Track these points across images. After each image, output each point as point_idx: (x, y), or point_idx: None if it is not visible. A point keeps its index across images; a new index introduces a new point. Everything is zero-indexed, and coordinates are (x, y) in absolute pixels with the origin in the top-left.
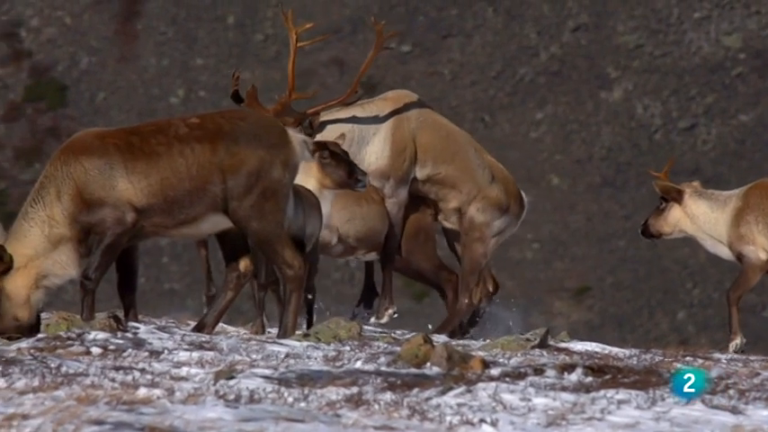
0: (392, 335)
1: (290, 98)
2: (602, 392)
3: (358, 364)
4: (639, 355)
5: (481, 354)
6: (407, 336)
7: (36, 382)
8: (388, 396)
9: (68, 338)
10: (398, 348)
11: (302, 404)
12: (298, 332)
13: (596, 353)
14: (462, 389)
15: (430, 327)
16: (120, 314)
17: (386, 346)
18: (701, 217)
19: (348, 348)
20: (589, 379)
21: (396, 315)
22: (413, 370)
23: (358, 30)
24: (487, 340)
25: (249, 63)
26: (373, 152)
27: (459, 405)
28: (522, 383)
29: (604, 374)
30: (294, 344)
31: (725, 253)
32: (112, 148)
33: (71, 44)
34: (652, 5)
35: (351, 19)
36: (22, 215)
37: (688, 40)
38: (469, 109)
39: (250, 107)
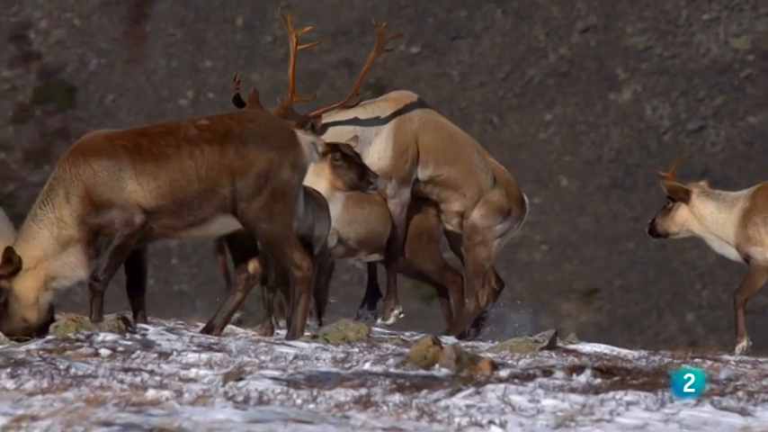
0: (401, 336)
1: (292, 101)
2: (610, 394)
3: (367, 366)
4: (648, 357)
5: (490, 355)
6: (416, 337)
7: (45, 384)
8: (397, 398)
9: (77, 340)
10: (407, 350)
11: (311, 406)
12: (306, 334)
13: (605, 354)
14: (471, 390)
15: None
16: (129, 316)
17: (395, 347)
18: (709, 217)
19: (357, 350)
20: (598, 380)
21: (402, 315)
22: (421, 371)
23: (366, 31)
24: (496, 342)
25: (258, 65)
26: (375, 152)
27: (468, 406)
28: (530, 385)
29: (613, 376)
30: (303, 345)
31: (732, 254)
32: (121, 149)
33: (80, 46)
34: (661, 7)
35: (359, 21)
36: (31, 217)
37: (697, 41)
38: (478, 110)
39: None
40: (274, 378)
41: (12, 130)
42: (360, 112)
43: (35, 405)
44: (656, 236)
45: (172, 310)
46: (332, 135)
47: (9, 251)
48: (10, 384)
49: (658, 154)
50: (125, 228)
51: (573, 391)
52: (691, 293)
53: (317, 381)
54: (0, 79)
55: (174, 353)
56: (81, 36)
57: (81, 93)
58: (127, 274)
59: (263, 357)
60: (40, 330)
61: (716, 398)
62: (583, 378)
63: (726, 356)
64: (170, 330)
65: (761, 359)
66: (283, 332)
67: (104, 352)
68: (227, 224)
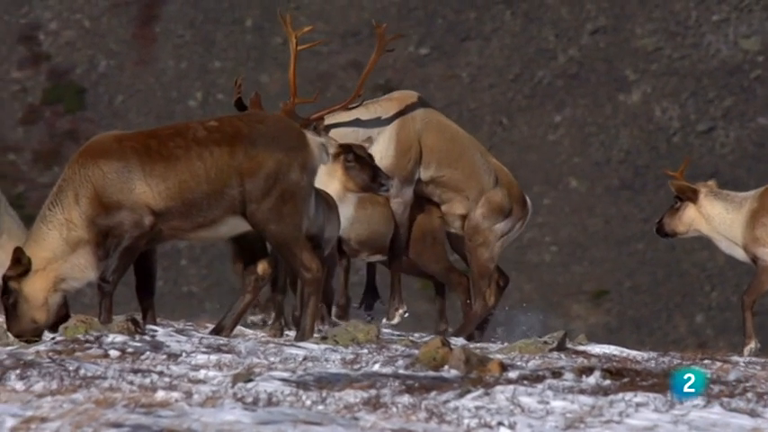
0: (410, 338)
1: (294, 103)
2: (620, 395)
3: (376, 367)
4: (657, 359)
5: (499, 357)
6: (425, 339)
7: (54, 385)
8: (406, 399)
9: (86, 341)
10: (416, 351)
11: (320, 407)
12: (315, 335)
13: (614, 356)
14: (480, 392)
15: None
16: (139, 317)
17: (404, 349)
18: (716, 218)
19: (366, 351)
20: (607, 382)
21: (407, 315)
22: (431, 373)
23: (375, 33)
24: (505, 343)
25: (267, 66)
26: (378, 152)
27: (477, 408)
28: (540, 386)
29: (622, 377)
30: (312, 347)
31: (740, 254)
32: (130, 151)
33: (89, 47)
34: (670, 8)
35: (368, 22)
36: (40, 218)
37: (706, 42)
38: (488, 112)
39: None
40: (283, 379)
41: (21, 132)
42: (362, 112)
43: (44, 406)
44: (664, 235)
45: (181, 312)
46: (335, 136)
47: (18, 252)
48: (19, 386)
49: (668, 155)
50: (134, 229)
51: (582, 392)
52: (700, 295)
53: (327, 382)
54: (9, 80)
55: (184, 354)
56: (90, 37)
57: (90, 94)
58: (136, 276)
59: (272, 359)
60: (54, 326)
61: (725, 399)
62: (592, 379)
63: (735, 358)
64: (179, 332)
65: None
66: (292, 333)
67: (114, 353)
68: (236, 225)
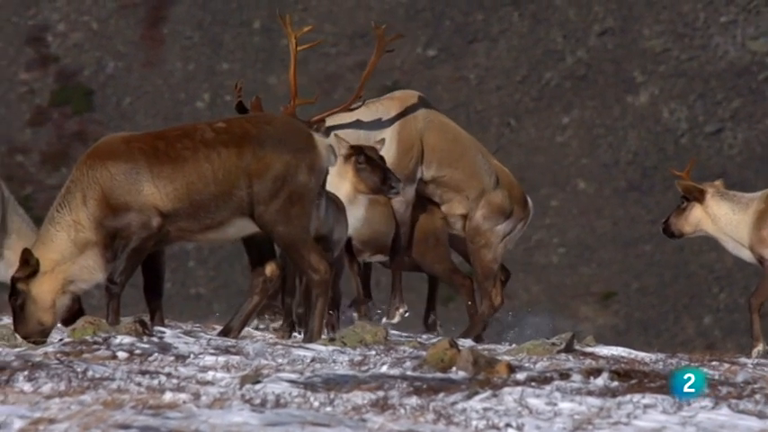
0: (418, 339)
1: (294, 105)
2: (628, 397)
3: (384, 369)
4: (665, 360)
5: (507, 358)
6: (433, 340)
7: (62, 387)
8: (414, 400)
9: (94, 343)
10: (424, 353)
11: (328, 408)
12: (323, 336)
13: (622, 357)
14: (488, 393)
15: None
16: (146, 318)
17: (411, 350)
18: (723, 218)
19: (374, 353)
20: (615, 383)
21: (407, 314)
22: (438, 374)
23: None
24: (513, 345)
25: (275, 67)
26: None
27: (485, 409)
28: (547, 388)
29: (630, 379)
30: (320, 348)
31: (747, 255)
32: (138, 152)
33: (97, 49)
34: (678, 9)
35: (377, 24)
36: (48, 220)
37: (714, 44)
38: (495, 113)
39: None
40: (291, 381)
41: (29, 133)
42: (364, 112)
43: (52, 408)
44: (671, 235)
45: (189, 313)
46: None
47: (27, 253)
48: (27, 387)
49: (676, 157)
50: (142, 230)
51: (590, 394)
52: (708, 296)
53: (334, 384)
54: (18, 82)
55: (192, 356)
56: (98, 39)
57: (98, 96)
58: (144, 277)
59: (280, 360)
60: (67, 321)
61: (733, 401)
62: (600, 381)
63: (743, 359)
64: (187, 333)
65: None
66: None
67: (122, 355)
68: (244, 227)
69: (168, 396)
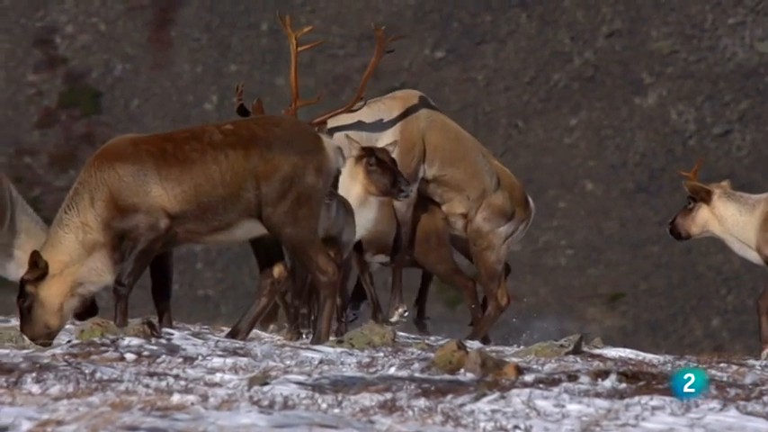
0: (426, 341)
1: (296, 107)
2: (636, 399)
3: (392, 371)
4: (673, 362)
5: (515, 360)
6: (441, 342)
7: (70, 388)
8: (422, 402)
9: (102, 344)
10: (432, 355)
11: (336, 410)
12: (331, 338)
13: (630, 359)
14: (496, 395)
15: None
16: (155, 320)
17: (419, 352)
18: (729, 219)
19: (382, 354)
20: (623, 385)
21: (407, 314)
22: (446, 376)
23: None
24: (521, 346)
25: (282, 69)
26: None
27: (493, 411)
28: (555, 390)
29: (638, 381)
30: (328, 350)
31: (753, 257)
32: (146, 154)
33: (105, 51)
34: (686, 11)
35: (384, 25)
36: (56, 222)
37: (722, 45)
38: (503, 115)
39: None
40: (299, 383)
41: (37, 135)
42: (366, 112)
43: (60, 410)
44: (677, 236)
45: (197, 315)
46: (339, 137)
47: (36, 256)
48: (35, 389)
49: (684, 158)
50: (150, 232)
51: (598, 395)
52: (716, 298)
53: (343, 385)
54: (26, 84)
55: (200, 357)
56: (106, 41)
57: (106, 98)
58: (152, 279)
59: (288, 362)
60: (81, 316)
61: (741, 403)
62: (608, 383)
63: (751, 361)
64: (195, 335)
65: None
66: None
67: (130, 356)
68: (251, 229)
69: (176, 398)
